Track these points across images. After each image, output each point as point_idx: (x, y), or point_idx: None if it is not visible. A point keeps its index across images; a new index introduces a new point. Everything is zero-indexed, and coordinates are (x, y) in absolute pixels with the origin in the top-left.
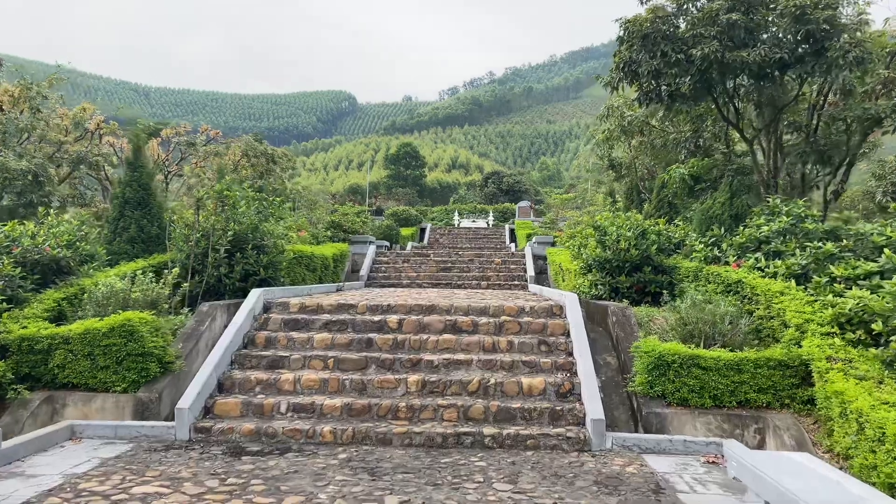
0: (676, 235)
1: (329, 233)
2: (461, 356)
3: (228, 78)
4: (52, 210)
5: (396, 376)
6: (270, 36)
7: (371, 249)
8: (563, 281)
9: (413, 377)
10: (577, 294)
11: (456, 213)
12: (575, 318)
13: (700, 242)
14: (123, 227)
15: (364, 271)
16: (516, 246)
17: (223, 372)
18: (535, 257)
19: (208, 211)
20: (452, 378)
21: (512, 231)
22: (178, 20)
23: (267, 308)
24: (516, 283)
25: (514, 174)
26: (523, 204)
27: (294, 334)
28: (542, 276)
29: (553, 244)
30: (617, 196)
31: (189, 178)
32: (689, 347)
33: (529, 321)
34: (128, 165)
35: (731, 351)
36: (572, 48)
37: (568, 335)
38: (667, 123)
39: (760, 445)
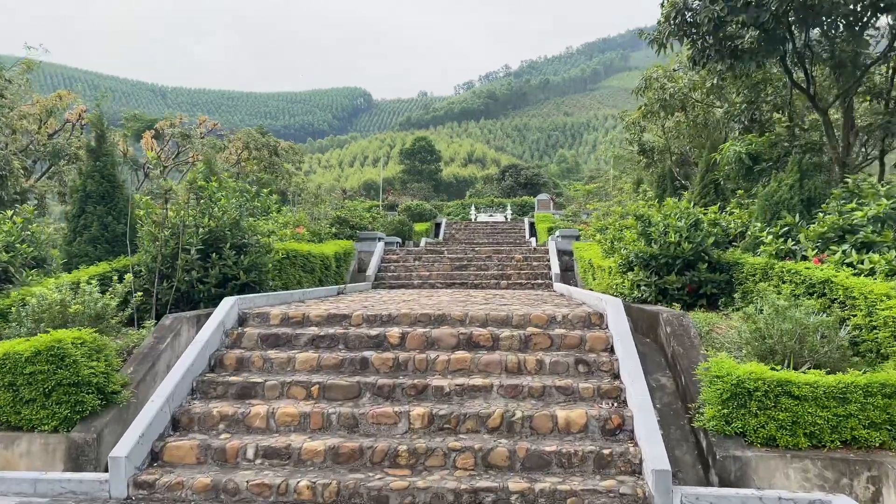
0: (731, 226)
1: (334, 229)
2: (478, 380)
3: (244, 77)
4: (20, 208)
5: (396, 408)
6: (285, 34)
7: (379, 247)
8: (594, 280)
9: (417, 409)
10: (617, 297)
11: (472, 208)
12: (620, 328)
13: (768, 233)
14: (84, 225)
15: (371, 271)
16: (537, 240)
17: (180, 404)
18: (560, 253)
19: (178, 204)
20: (468, 410)
21: (531, 225)
22: (194, 21)
23: (242, 320)
24: (539, 281)
25: (531, 167)
26: (543, 197)
27: (272, 353)
28: (567, 274)
29: (578, 238)
30: (645, 185)
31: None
32: (773, 368)
33: (563, 334)
34: (89, 153)
35: (829, 373)
36: (588, 39)
37: (611, 351)
38: (712, 97)
39: (875, 499)
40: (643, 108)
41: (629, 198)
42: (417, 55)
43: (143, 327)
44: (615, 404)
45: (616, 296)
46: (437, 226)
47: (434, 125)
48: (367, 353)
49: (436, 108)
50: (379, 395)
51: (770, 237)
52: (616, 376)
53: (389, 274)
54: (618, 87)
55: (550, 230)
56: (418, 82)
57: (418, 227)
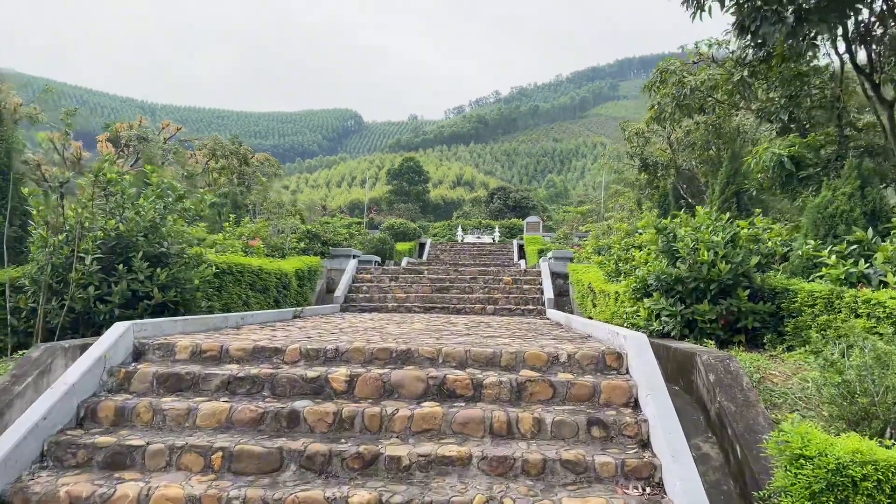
0: (770, 243)
1: (302, 245)
2: (452, 448)
3: (235, 96)
4: None
5: (331, 492)
6: (279, 55)
7: (351, 265)
8: (594, 307)
9: (360, 496)
10: (631, 329)
11: (459, 229)
12: (648, 376)
13: (830, 253)
14: None
15: (340, 292)
16: (526, 263)
17: (18, 477)
18: (554, 275)
19: (78, 202)
20: (435, 497)
21: (520, 247)
22: (187, 38)
23: (139, 353)
24: (530, 307)
25: (520, 190)
26: (532, 219)
27: (168, 402)
28: (562, 300)
29: (572, 260)
30: (647, 205)
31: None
32: (881, 443)
33: (569, 381)
34: None
35: None
36: (578, 68)
37: (636, 407)
38: (736, 97)
39: None
40: (654, 108)
41: (633, 215)
42: (409, 79)
43: (14, 359)
44: (648, 490)
45: (628, 328)
46: (422, 246)
47: (424, 148)
48: (299, 404)
49: (426, 132)
50: (308, 470)
51: (833, 258)
52: (645, 445)
53: (361, 296)
54: (606, 116)
55: (541, 252)
56: (409, 106)
57: (401, 246)
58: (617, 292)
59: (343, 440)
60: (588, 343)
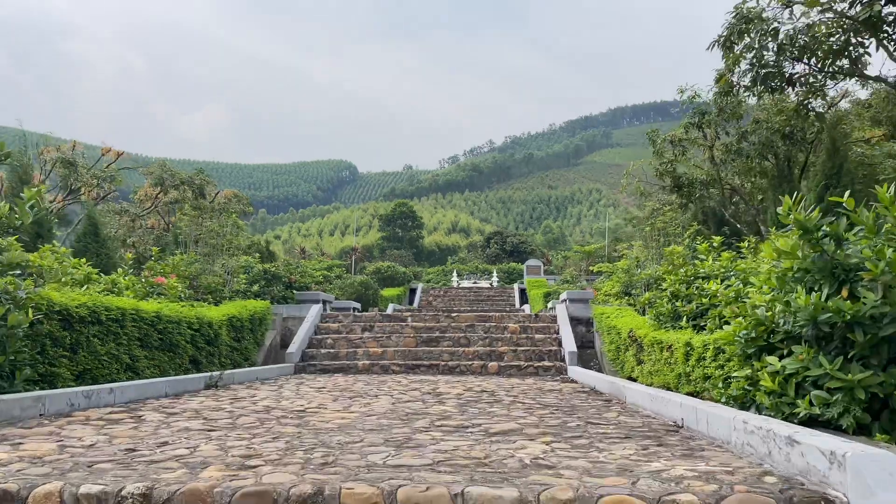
0: None
1: (255, 287)
2: None
3: (229, 148)
4: None
5: None
6: (274, 108)
7: (313, 311)
8: (640, 364)
9: None
10: (730, 404)
11: (454, 274)
12: None
13: None
14: None
15: (295, 346)
16: (530, 308)
17: None
18: (574, 321)
19: None
20: None
21: (522, 291)
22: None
23: None
24: (546, 363)
25: (518, 234)
26: (533, 262)
27: None
28: (585, 353)
29: (587, 301)
30: (689, 229)
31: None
32: None
33: None
34: None
35: None
36: (571, 117)
37: None
38: (843, 58)
39: None
40: (725, 78)
41: (669, 238)
42: (404, 130)
43: None
44: None
45: (729, 404)
46: (412, 291)
47: (419, 196)
48: None
49: (420, 180)
50: None
51: None
52: None
53: (324, 351)
54: (601, 163)
55: (547, 296)
56: (404, 156)
57: (388, 292)
58: (689, 344)
59: None
60: (702, 458)
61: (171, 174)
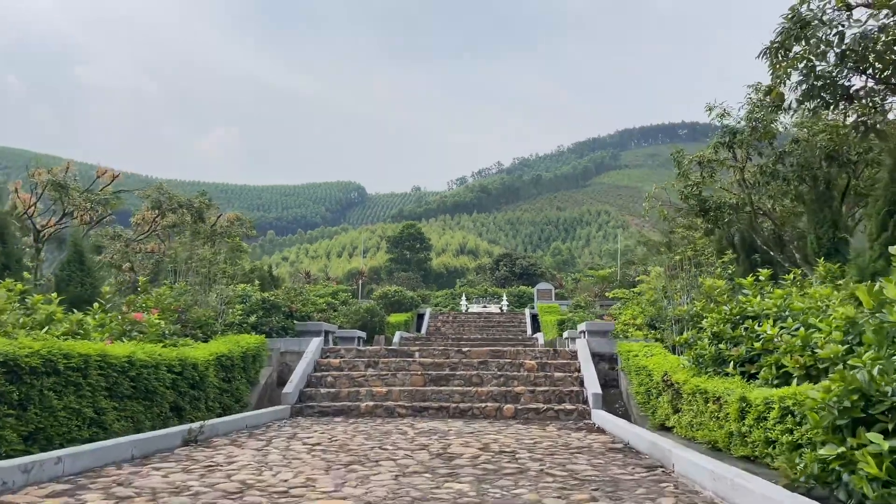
0: None
1: (253, 318)
2: None
3: (239, 170)
4: None
5: None
6: (285, 131)
7: (313, 345)
8: (676, 412)
9: None
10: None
11: (463, 297)
12: None
13: None
14: None
15: (292, 387)
16: (543, 337)
17: None
18: (595, 357)
19: None
20: None
21: (534, 317)
22: (188, 116)
23: None
24: (567, 406)
25: (527, 256)
26: (543, 286)
27: None
28: (609, 393)
29: (606, 334)
30: (723, 258)
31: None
32: None
33: None
34: None
35: None
36: (579, 139)
37: None
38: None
39: None
40: (776, 90)
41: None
42: (412, 151)
43: None
44: None
45: (805, 481)
46: (420, 317)
47: (427, 217)
48: None
49: (428, 202)
50: None
51: None
52: None
53: (324, 391)
54: (609, 184)
55: (561, 323)
56: (412, 177)
57: (395, 318)
58: (745, 399)
59: None
60: None
61: (168, 197)
